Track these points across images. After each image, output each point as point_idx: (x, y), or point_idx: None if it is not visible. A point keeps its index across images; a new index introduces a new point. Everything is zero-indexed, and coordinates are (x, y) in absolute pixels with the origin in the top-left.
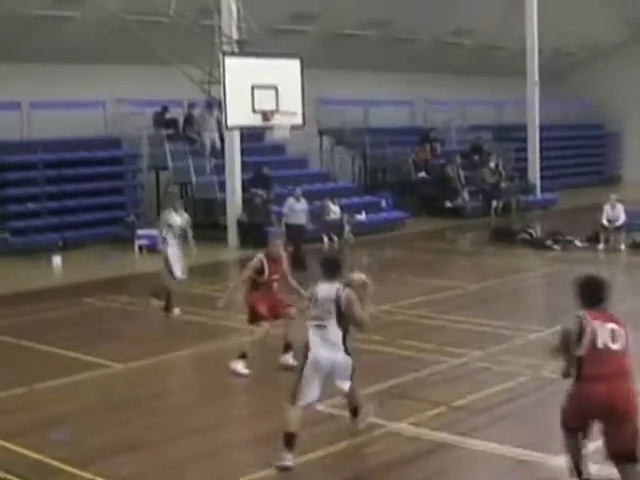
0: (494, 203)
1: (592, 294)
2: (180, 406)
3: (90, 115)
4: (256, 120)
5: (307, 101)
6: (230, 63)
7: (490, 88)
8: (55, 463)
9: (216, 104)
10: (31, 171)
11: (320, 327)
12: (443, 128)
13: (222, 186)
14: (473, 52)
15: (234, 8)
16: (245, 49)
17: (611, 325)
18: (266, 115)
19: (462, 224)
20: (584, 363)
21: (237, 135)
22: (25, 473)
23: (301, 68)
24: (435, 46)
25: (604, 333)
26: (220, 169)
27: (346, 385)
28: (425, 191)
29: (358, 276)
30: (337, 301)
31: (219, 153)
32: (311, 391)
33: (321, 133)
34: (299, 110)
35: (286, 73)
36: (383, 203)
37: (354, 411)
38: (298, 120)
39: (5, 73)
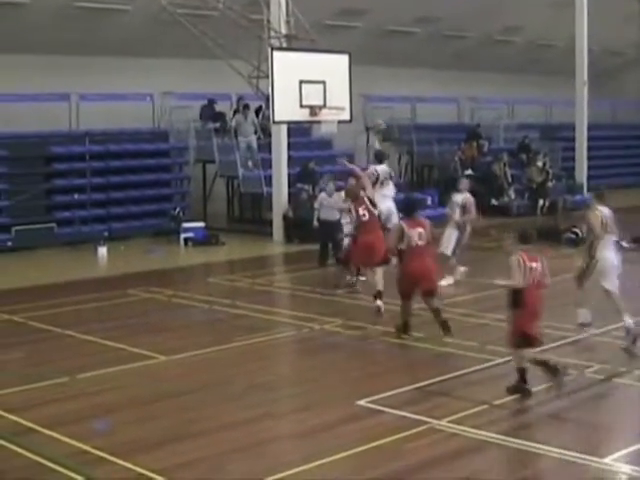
0: (540, 202)
1: (408, 208)
2: (223, 399)
3: (138, 108)
4: (303, 115)
5: (354, 97)
6: (278, 57)
7: (538, 87)
8: (97, 452)
9: (250, 107)
10: (78, 162)
11: None
12: (491, 126)
13: (269, 180)
14: (522, 50)
15: (283, 2)
16: (293, 44)
17: (418, 229)
18: (313, 110)
19: (508, 222)
20: (405, 253)
21: (284, 130)
22: (68, 462)
23: (349, 64)
24: (483, 43)
25: (414, 234)
26: (267, 163)
27: None
28: (471, 189)
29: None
30: None
31: (256, 155)
32: None
33: (368, 129)
34: (346, 106)
35: (334, 69)
36: (429, 200)
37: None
38: (345, 116)
39: (55, 65)
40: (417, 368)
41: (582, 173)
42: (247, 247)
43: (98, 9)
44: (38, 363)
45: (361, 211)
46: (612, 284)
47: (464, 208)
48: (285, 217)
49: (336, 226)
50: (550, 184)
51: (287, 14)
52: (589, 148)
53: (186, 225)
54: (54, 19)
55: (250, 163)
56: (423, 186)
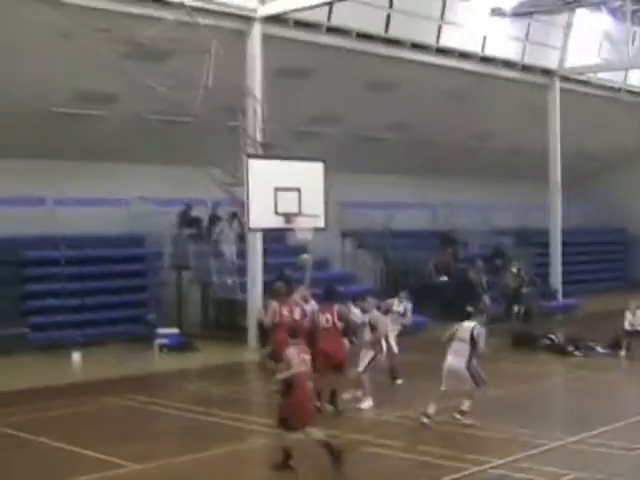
0: (516, 308)
1: (326, 295)
2: None
3: (114, 213)
4: (278, 222)
5: (329, 203)
6: (253, 165)
7: (513, 192)
8: None
9: (236, 217)
10: (53, 267)
11: None
12: (465, 232)
13: (243, 287)
14: (496, 156)
15: (258, 109)
16: (268, 151)
17: (327, 314)
18: (288, 217)
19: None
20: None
21: (259, 237)
22: None
23: (324, 171)
24: (458, 149)
25: (322, 318)
26: (242, 270)
27: None
28: (446, 295)
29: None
30: None
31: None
32: None
33: (343, 235)
34: (321, 213)
35: (309, 176)
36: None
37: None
38: (320, 223)
39: (31, 169)
40: (396, 478)
41: (557, 278)
42: (222, 353)
43: (74, 114)
44: (5, 472)
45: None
46: None
47: (372, 327)
48: (260, 323)
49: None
50: (525, 290)
51: (262, 121)
52: (563, 253)
53: (161, 331)
54: (30, 124)
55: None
56: (398, 292)
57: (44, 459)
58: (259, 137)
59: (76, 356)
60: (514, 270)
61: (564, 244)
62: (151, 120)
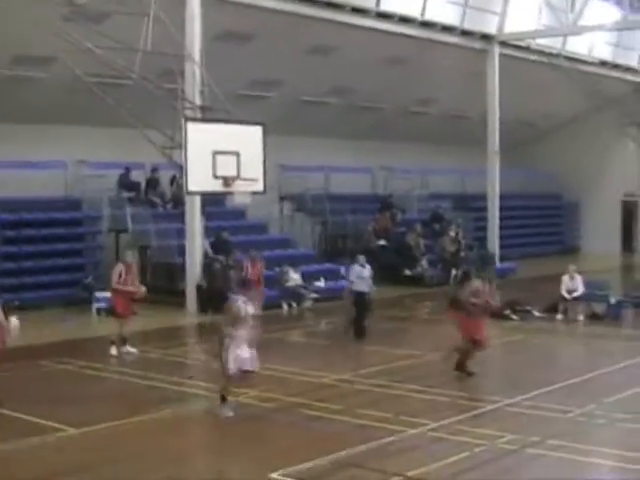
0: (453, 272)
1: None
2: (135, 473)
3: (51, 176)
4: (217, 185)
5: (268, 167)
6: (192, 128)
7: (452, 157)
8: None
9: (175, 180)
10: None
11: None
12: (404, 196)
13: (182, 250)
14: (436, 121)
15: (197, 72)
16: (207, 114)
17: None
18: (227, 181)
19: (421, 292)
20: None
21: (197, 200)
22: None
23: (263, 135)
24: (397, 114)
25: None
26: (180, 233)
27: None
28: (385, 259)
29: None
30: None
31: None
32: None
33: (282, 199)
34: (260, 177)
35: (248, 139)
36: (342, 270)
37: None
38: (259, 187)
39: None
40: (332, 440)
41: (494, 243)
42: (160, 317)
43: (11, 77)
44: None
45: None
46: None
47: None
48: (199, 287)
49: (367, 297)
50: (462, 254)
51: (201, 84)
52: (501, 218)
53: (98, 295)
54: None
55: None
56: (337, 256)
57: None
58: (198, 100)
59: (13, 320)
60: (452, 234)
61: (502, 209)
62: (89, 82)
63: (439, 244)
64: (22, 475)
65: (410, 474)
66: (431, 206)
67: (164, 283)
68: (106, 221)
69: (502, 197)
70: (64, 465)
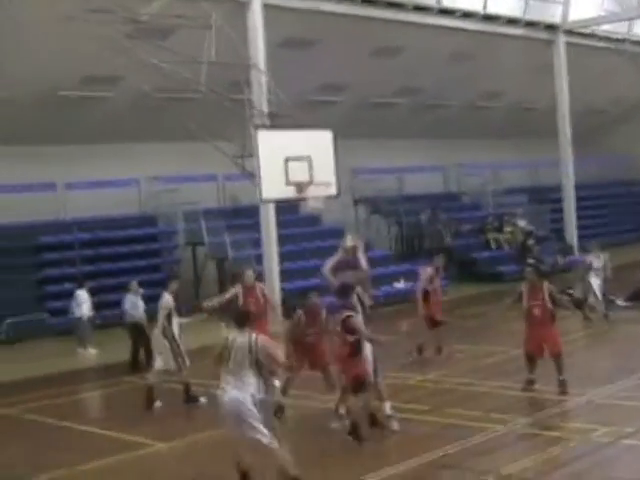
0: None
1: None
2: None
3: (125, 193)
4: (290, 192)
5: (340, 171)
6: (263, 136)
7: (523, 150)
8: None
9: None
10: (68, 251)
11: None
12: (478, 192)
13: (259, 260)
14: (504, 114)
15: (264, 81)
16: (276, 121)
17: None
18: (300, 187)
19: (502, 289)
20: None
21: (272, 208)
22: None
23: (333, 139)
24: (465, 110)
25: None
26: (257, 242)
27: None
28: (463, 257)
29: None
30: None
31: None
32: None
33: (356, 202)
34: (333, 181)
35: (318, 144)
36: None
37: None
38: (332, 191)
39: (40, 155)
40: (423, 441)
41: (572, 234)
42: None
43: (81, 97)
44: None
45: None
46: None
47: None
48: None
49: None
50: (539, 247)
51: (268, 92)
52: (578, 208)
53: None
54: (37, 110)
55: None
56: (414, 256)
57: (70, 441)
58: (266, 108)
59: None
60: (525, 229)
61: (578, 199)
62: (157, 98)
63: (516, 239)
64: None
65: (506, 472)
66: (505, 201)
67: None
68: (182, 235)
69: (578, 187)
70: None
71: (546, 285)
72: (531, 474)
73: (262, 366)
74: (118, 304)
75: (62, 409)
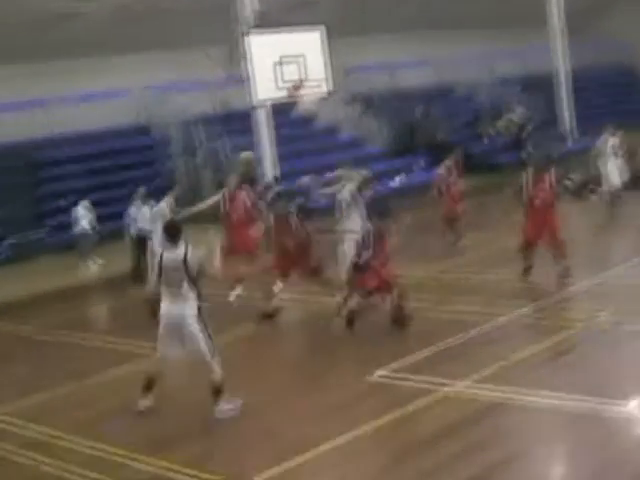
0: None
1: None
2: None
3: (117, 106)
4: (283, 93)
5: (333, 70)
6: (253, 39)
7: (517, 38)
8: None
9: None
10: (63, 166)
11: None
12: (472, 84)
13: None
14: (492, 3)
15: None
16: (265, 24)
17: None
18: (294, 85)
19: (498, 179)
20: None
21: (264, 111)
22: (94, 465)
23: (325, 36)
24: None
25: None
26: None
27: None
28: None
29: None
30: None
31: None
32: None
33: (354, 100)
34: (326, 78)
35: (309, 44)
36: (422, 163)
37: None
38: (324, 89)
39: (27, 72)
40: (429, 333)
41: (565, 121)
42: None
43: (60, 14)
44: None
45: None
46: None
47: None
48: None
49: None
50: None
51: None
52: (574, 94)
53: None
54: (18, 28)
55: None
56: (410, 151)
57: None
58: (257, 6)
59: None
60: (519, 118)
61: (574, 87)
62: (140, 9)
63: (510, 129)
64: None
65: (512, 359)
66: (499, 92)
67: None
68: (176, 144)
69: (572, 74)
70: None
71: (552, 171)
72: (539, 359)
73: (198, 277)
74: (116, 216)
75: (69, 323)
